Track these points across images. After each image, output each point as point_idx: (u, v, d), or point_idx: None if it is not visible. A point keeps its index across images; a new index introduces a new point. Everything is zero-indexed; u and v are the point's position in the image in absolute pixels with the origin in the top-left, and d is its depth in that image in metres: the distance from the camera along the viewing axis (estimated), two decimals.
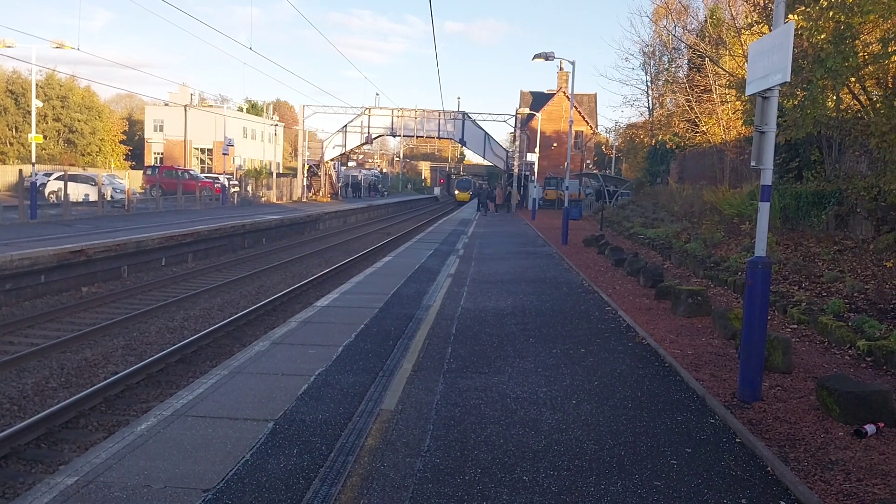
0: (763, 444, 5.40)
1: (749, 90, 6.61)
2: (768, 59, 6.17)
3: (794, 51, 6.03)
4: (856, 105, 13.18)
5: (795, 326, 9.51)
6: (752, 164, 6.42)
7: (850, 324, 8.66)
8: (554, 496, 4.58)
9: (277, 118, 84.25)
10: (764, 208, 6.45)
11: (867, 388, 6.04)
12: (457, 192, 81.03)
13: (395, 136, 56.00)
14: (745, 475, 4.97)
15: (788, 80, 6.00)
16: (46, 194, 33.54)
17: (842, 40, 11.16)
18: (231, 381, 6.88)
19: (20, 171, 25.34)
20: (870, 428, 5.61)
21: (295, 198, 49.38)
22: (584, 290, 13.48)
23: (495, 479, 4.83)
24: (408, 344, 8.62)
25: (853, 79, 12.23)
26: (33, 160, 27.81)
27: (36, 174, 26.89)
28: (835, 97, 12.49)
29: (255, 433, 5.51)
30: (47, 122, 57.84)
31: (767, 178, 6.38)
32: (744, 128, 22.02)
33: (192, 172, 46.83)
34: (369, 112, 51.27)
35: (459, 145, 62.77)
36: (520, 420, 6.02)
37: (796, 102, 12.82)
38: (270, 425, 5.69)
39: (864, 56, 11.67)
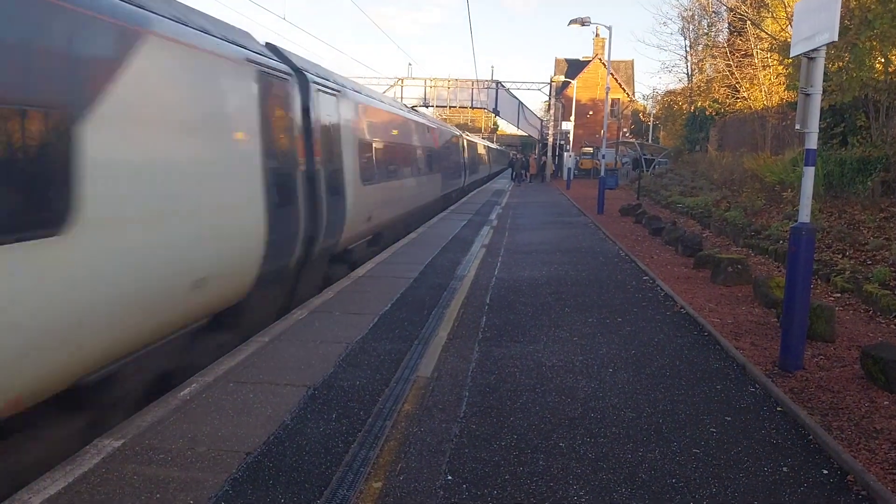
0: (805, 412, 5.32)
1: (794, 51, 6.40)
2: (815, 18, 5.95)
3: (840, 11, 5.81)
4: None
5: (839, 295, 9.30)
6: (797, 127, 6.24)
7: None
8: (591, 462, 4.58)
9: None
10: (808, 173, 6.28)
11: None
12: None
13: (427, 107, 55.69)
14: (786, 444, 4.90)
15: (836, 39, 5.79)
16: None
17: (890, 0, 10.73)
18: (271, 348, 6.98)
19: None
20: None
21: None
22: (621, 259, 13.34)
23: (531, 444, 4.85)
24: (443, 313, 8.64)
25: None
26: None
27: None
28: (883, 59, 12.04)
29: (295, 398, 5.60)
30: None
31: (812, 141, 6.20)
32: (786, 93, 21.38)
33: None
34: (402, 83, 51.05)
35: (493, 115, 62.29)
36: (555, 388, 6.02)
37: (842, 65, 12.40)
38: (310, 391, 5.78)
39: None
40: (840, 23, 5.88)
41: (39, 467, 4.50)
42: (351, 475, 4.34)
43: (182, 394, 5.67)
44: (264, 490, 4.15)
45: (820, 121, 6.32)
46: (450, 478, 4.35)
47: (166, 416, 5.21)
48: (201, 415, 5.25)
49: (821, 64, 6.10)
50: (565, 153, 45.92)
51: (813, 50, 6.03)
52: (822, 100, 6.73)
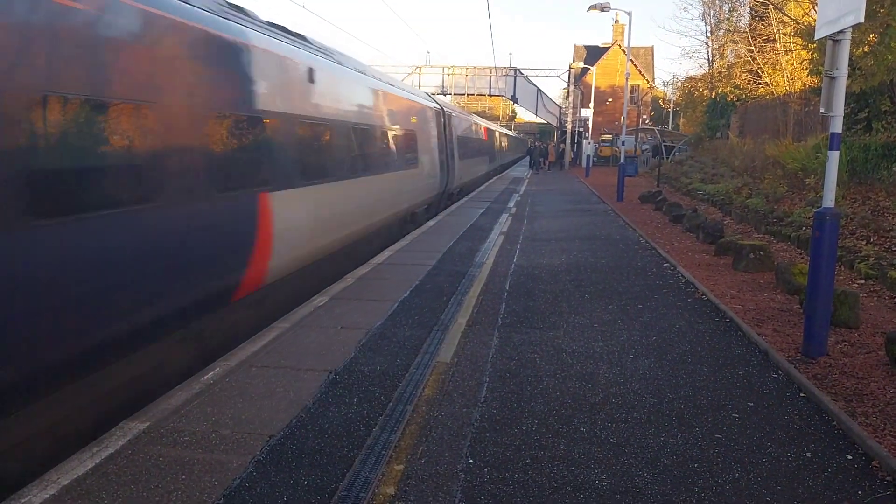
0: (829, 398, 5.27)
1: (819, 34, 6.30)
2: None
3: None
4: None
5: (863, 282, 9.20)
6: (822, 110, 6.15)
7: None
8: (612, 447, 4.58)
9: None
10: (833, 157, 6.19)
11: None
12: None
13: (445, 95, 55.41)
14: (809, 429, 4.87)
15: (862, 20, 5.68)
16: None
17: None
18: (292, 334, 7.04)
19: None
20: None
21: None
22: (641, 246, 13.27)
23: (552, 429, 4.85)
24: (461, 300, 8.65)
25: None
26: None
27: None
28: None
29: (317, 383, 5.65)
30: None
31: (837, 125, 6.12)
32: (809, 78, 21.02)
33: None
34: (420, 71, 50.82)
35: (511, 103, 61.90)
36: (576, 374, 6.01)
37: (867, 50, 12.17)
38: (331, 375, 5.82)
39: None
40: (868, 5, 5.78)
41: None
42: (373, 458, 4.38)
43: (206, 377, 5.74)
44: (287, 472, 4.19)
45: (844, 106, 6.23)
46: (471, 461, 4.38)
47: (190, 399, 5.28)
48: (225, 398, 5.31)
49: (846, 46, 6.00)
50: (584, 140, 45.61)
51: (838, 32, 5.93)
52: (847, 84, 6.59)
